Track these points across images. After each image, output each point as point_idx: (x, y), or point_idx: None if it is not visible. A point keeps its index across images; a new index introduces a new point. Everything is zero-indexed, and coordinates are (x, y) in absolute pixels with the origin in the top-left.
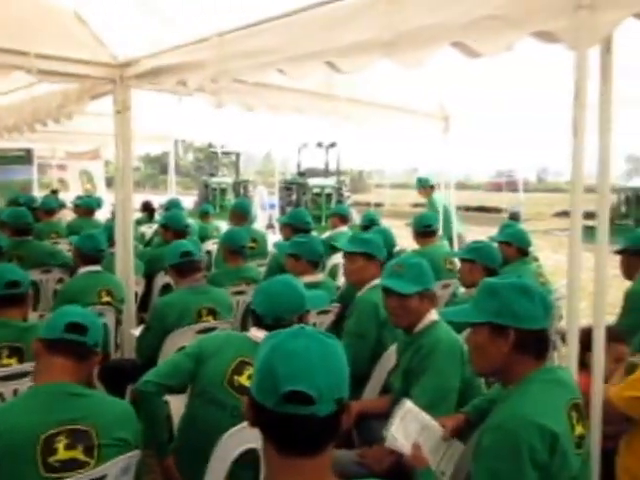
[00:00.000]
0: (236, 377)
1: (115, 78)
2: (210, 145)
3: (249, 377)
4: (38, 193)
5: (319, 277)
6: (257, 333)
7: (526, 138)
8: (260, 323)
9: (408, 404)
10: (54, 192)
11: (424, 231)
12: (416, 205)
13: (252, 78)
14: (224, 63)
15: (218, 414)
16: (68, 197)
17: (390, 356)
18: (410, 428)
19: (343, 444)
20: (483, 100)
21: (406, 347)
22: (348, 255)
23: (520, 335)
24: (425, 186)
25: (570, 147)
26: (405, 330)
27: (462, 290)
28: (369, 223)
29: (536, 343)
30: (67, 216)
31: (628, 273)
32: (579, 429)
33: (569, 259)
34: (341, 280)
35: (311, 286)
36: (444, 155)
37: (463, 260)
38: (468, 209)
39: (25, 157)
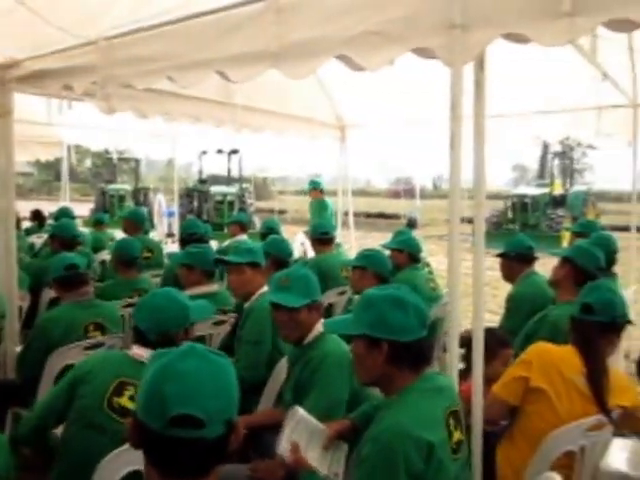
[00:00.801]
0: (116, 399)
1: None
2: (106, 151)
3: (130, 398)
4: None
5: (214, 287)
6: (139, 351)
7: (422, 147)
8: (143, 340)
9: (300, 412)
10: None
11: (320, 238)
12: None
13: (140, 85)
14: (111, 68)
15: (97, 439)
16: None
17: (283, 367)
18: (300, 436)
19: (237, 459)
20: (379, 110)
21: (296, 359)
22: (234, 267)
23: (394, 347)
24: (316, 188)
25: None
26: (295, 343)
27: (356, 297)
28: (268, 231)
29: (411, 354)
30: None
31: (509, 276)
32: (457, 435)
33: (448, 264)
34: None
35: (206, 296)
36: (342, 163)
37: (355, 267)
38: (369, 215)
39: None
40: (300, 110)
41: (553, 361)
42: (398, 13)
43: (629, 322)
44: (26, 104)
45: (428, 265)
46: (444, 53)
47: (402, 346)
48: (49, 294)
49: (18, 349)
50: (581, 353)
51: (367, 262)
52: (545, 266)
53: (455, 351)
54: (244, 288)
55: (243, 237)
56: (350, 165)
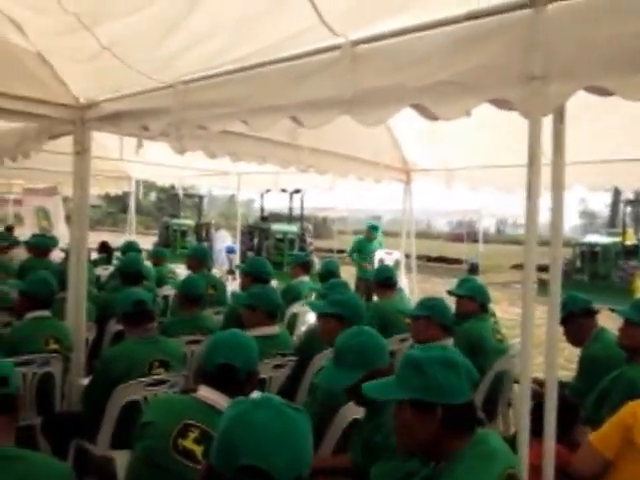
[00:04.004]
0: (181, 440)
1: (75, 120)
2: (172, 187)
3: (195, 440)
4: None
5: (275, 329)
6: (206, 393)
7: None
8: (211, 381)
9: None
10: (9, 229)
11: (384, 283)
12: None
13: (214, 128)
14: (187, 111)
15: (162, 478)
16: (24, 232)
17: (346, 413)
18: None
19: None
20: (445, 154)
21: (367, 417)
22: (322, 316)
23: (447, 411)
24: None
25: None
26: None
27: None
28: (327, 274)
29: (464, 418)
30: (20, 254)
31: (577, 338)
32: None
33: (522, 315)
34: (300, 330)
35: (267, 338)
36: (406, 206)
37: (417, 317)
38: (429, 259)
39: None
40: (365, 153)
41: None
42: (475, 63)
43: None
44: (99, 141)
45: (494, 315)
46: (523, 105)
47: (456, 409)
48: (114, 326)
49: (83, 381)
50: None
51: (431, 311)
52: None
53: (525, 409)
54: (329, 338)
55: (305, 279)
56: (414, 208)
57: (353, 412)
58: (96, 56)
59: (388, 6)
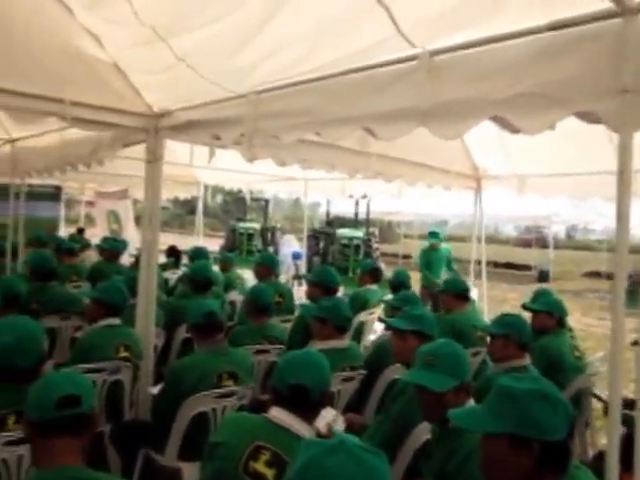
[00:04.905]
0: (252, 463)
1: (149, 128)
2: (239, 191)
3: (266, 463)
4: (65, 229)
5: (345, 342)
6: (278, 414)
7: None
8: (283, 402)
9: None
10: (80, 231)
11: (458, 296)
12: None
13: (287, 138)
14: (259, 121)
15: None
16: (95, 233)
17: (418, 435)
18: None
19: None
20: (516, 160)
21: (439, 440)
22: (399, 333)
23: (544, 448)
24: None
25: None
26: (438, 423)
27: (491, 364)
28: (398, 284)
29: (560, 456)
30: (92, 257)
31: None
32: None
33: (612, 328)
34: (367, 339)
35: (336, 351)
36: (477, 213)
37: (495, 335)
38: (497, 265)
39: (53, 194)
40: (435, 160)
41: None
42: (560, 74)
43: None
44: (169, 147)
45: (571, 330)
46: (612, 118)
47: (553, 446)
48: (183, 334)
49: (152, 389)
50: None
51: (510, 329)
52: None
53: (616, 438)
54: (406, 356)
55: (373, 287)
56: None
57: (426, 432)
58: (171, 67)
59: (466, 16)
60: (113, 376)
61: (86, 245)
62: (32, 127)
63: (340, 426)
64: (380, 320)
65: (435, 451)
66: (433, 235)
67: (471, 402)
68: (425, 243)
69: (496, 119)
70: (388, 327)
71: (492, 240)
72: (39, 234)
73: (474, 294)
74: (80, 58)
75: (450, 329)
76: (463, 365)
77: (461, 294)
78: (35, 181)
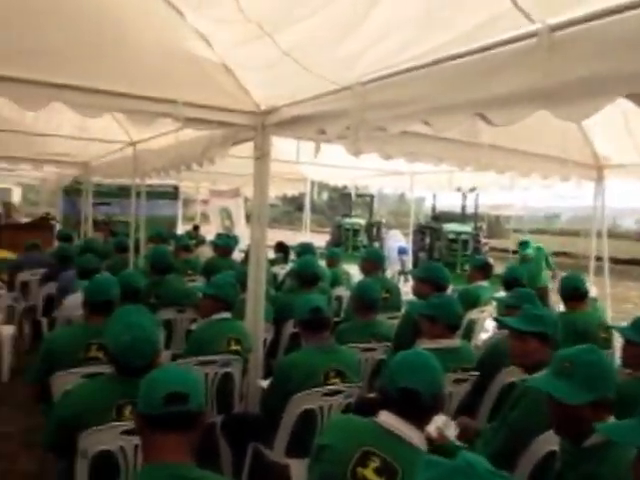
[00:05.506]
0: (360, 469)
1: (257, 126)
2: (344, 187)
3: (375, 471)
4: (182, 226)
5: (456, 342)
6: (388, 419)
7: None
8: (392, 405)
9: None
10: (196, 228)
11: (573, 294)
12: (557, 253)
13: (394, 129)
14: (365, 113)
15: None
16: (209, 230)
17: (541, 445)
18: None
19: None
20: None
21: (572, 461)
22: (518, 334)
23: None
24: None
25: None
26: (570, 440)
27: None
28: (512, 281)
29: None
30: (206, 252)
31: None
32: None
33: None
34: (478, 338)
35: (446, 351)
36: (598, 206)
37: (633, 343)
38: (617, 261)
39: (172, 193)
40: (551, 148)
41: None
42: None
43: None
44: (276, 144)
45: None
46: None
47: None
48: (291, 328)
49: (261, 382)
50: None
51: None
52: None
53: None
54: (525, 359)
55: (484, 284)
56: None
57: (550, 443)
58: (276, 62)
59: None
60: (224, 369)
61: (201, 241)
62: (148, 129)
63: (452, 432)
64: (495, 320)
65: (565, 473)
66: (523, 246)
67: (612, 420)
68: (537, 238)
69: (632, 97)
70: (505, 327)
71: (611, 235)
72: (160, 231)
73: (593, 292)
74: (190, 60)
75: (572, 329)
76: (605, 378)
77: (575, 292)
78: (155, 181)
